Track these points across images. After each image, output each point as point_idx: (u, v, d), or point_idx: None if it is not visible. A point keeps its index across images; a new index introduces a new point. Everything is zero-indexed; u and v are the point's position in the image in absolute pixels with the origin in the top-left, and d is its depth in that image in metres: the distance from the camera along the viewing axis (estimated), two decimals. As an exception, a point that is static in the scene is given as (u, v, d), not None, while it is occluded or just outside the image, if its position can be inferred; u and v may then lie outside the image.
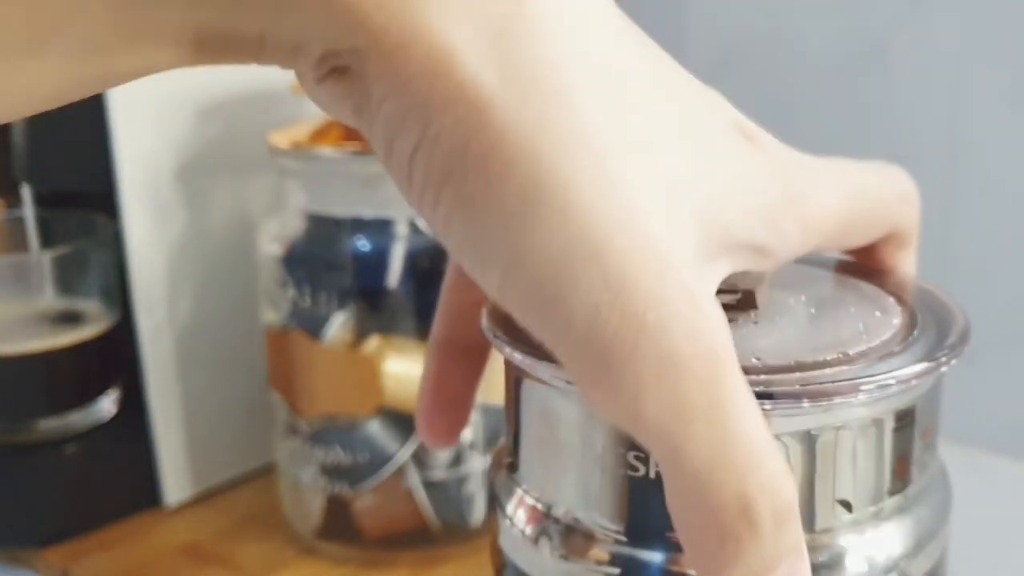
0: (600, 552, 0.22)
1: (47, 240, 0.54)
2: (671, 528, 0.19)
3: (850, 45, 0.62)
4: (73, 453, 0.51)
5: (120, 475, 0.53)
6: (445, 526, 0.49)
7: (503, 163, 0.18)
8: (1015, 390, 0.61)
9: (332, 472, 0.48)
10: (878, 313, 0.24)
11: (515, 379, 0.24)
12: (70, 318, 0.52)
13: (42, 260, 0.51)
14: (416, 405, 0.28)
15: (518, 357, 0.22)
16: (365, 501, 0.48)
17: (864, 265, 0.26)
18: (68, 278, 0.51)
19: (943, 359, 0.21)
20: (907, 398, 0.22)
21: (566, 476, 0.23)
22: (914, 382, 0.21)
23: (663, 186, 0.19)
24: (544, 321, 0.18)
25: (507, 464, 0.25)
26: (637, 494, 0.22)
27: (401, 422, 0.47)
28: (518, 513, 0.24)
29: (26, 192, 0.55)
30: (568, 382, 0.21)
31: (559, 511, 0.23)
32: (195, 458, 0.55)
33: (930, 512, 0.23)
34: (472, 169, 0.18)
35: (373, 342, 0.46)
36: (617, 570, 0.22)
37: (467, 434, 0.48)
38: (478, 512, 0.49)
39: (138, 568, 0.49)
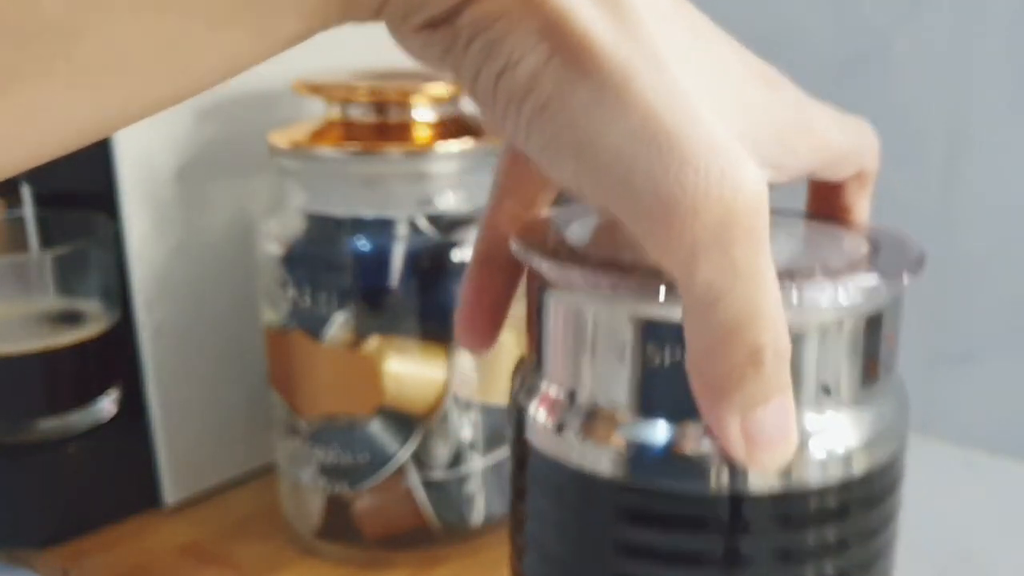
0: (618, 434, 0.27)
1: (47, 240, 0.54)
2: (680, 410, 0.25)
3: (850, 45, 0.62)
4: (73, 453, 0.51)
5: (120, 475, 0.53)
6: (445, 526, 0.49)
7: (577, 71, 0.22)
8: (1015, 390, 0.61)
9: (332, 472, 0.48)
10: (847, 244, 0.29)
11: (539, 289, 0.28)
12: (70, 318, 0.52)
13: (42, 260, 0.51)
14: (456, 316, 0.32)
15: (545, 266, 0.27)
16: (365, 501, 0.48)
17: (828, 215, 0.32)
18: (68, 278, 0.51)
19: (905, 272, 0.27)
20: (874, 305, 0.27)
21: (588, 367, 0.27)
22: (882, 290, 0.26)
23: (710, 107, 0.23)
24: (613, 198, 0.22)
25: (531, 365, 0.30)
26: (652, 380, 0.26)
27: (401, 422, 0.47)
28: (540, 410, 0.28)
29: (26, 192, 0.56)
30: (593, 287, 0.26)
31: (581, 398, 0.27)
32: (195, 458, 0.55)
33: (890, 410, 0.28)
34: (551, 79, 0.22)
35: (373, 342, 0.46)
36: (633, 449, 0.27)
37: (467, 434, 0.48)
38: (478, 512, 0.49)
39: (137, 568, 0.49)
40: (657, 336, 0.26)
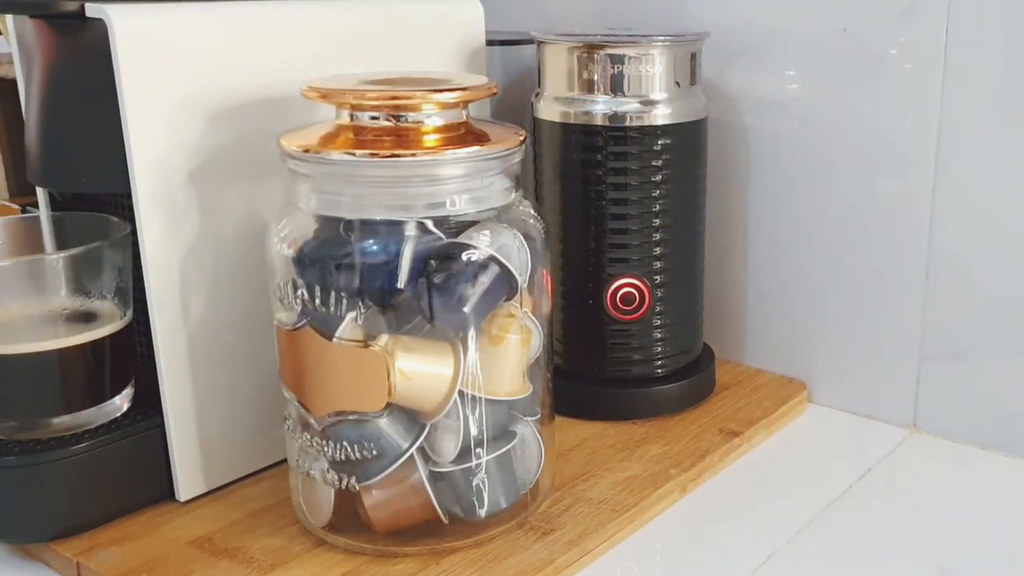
0: (565, 106, 0.63)
1: (62, 241, 0.55)
2: (612, 89, 0.63)
3: (846, 44, 0.63)
4: (87, 449, 0.52)
5: (133, 471, 0.54)
6: (453, 518, 0.50)
7: None
8: (1004, 387, 0.62)
9: (342, 467, 0.49)
10: None
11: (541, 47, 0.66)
12: (84, 317, 0.52)
13: (57, 260, 0.52)
14: None
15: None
16: (375, 495, 0.49)
17: None
18: (83, 278, 0.52)
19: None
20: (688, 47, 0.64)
21: (563, 80, 0.63)
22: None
23: None
24: None
25: (540, 88, 0.66)
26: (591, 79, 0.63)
27: (410, 418, 0.48)
28: (540, 103, 0.65)
29: (42, 194, 0.56)
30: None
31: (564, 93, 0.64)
32: (208, 454, 0.56)
33: (699, 100, 0.67)
34: None
35: (382, 340, 0.47)
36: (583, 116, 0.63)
37: (473, 428, 0.49)
38: (485, 504, 0.50)
39: (151, 561, 0.50)
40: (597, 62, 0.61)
